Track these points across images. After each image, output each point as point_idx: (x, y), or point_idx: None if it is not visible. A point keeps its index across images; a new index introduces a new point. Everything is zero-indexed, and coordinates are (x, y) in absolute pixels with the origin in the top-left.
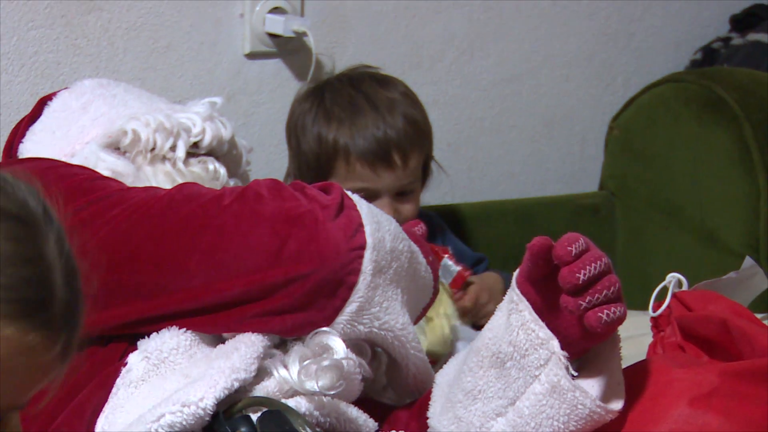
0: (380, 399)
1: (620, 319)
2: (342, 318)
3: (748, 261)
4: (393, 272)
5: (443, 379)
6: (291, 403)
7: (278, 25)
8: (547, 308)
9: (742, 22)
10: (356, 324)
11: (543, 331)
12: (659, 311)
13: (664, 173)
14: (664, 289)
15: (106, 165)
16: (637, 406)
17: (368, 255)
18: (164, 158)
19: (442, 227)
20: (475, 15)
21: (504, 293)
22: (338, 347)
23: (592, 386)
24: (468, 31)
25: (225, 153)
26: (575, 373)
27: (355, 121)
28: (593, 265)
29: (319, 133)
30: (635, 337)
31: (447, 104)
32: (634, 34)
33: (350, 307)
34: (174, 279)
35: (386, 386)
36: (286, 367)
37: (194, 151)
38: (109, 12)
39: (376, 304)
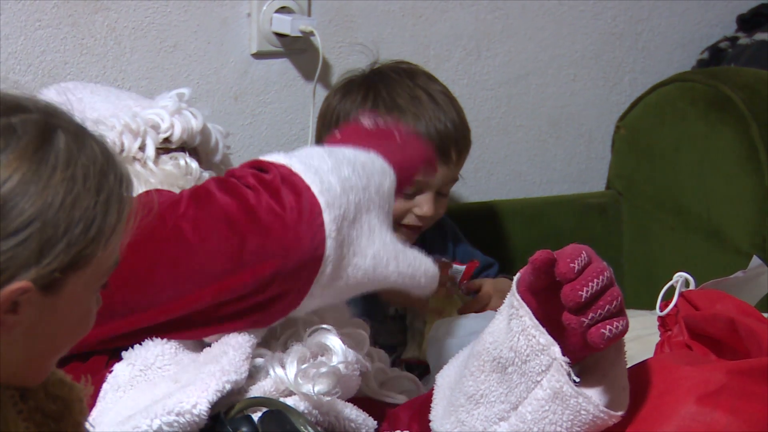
0: (379, 398)
1: (622, 333)
2: (317, 286)
3: (755, 260)
4: (353, 208)
5: (444, 381)
6: (289, 402)
7: (285, 24)
8: (548, 317)
9: (749, 21)
10: (333, 283)
11: (544, 337)
12: (666, 310)
13: (671, 173)
14: (672, 289)
15: None
16: (645, 404)
17: (327, 216)
18: (134, 159)
19: (455, 232)
20: (481, 15)
21: None
22: (336, 347)
23: (595, 391)
24: (475, 31)
25: (198, 144)
26: (577, 379)
27: (418, 112)
28: (595, 281)
29: None
30: (643, 337)
31: None
32: (641, 33)
33: (325, 274)
34: (143, 296)
35: (384, 383)
36: (283, 366)
37: (166, 146)
38: (116, 12)
39: (345, 255)
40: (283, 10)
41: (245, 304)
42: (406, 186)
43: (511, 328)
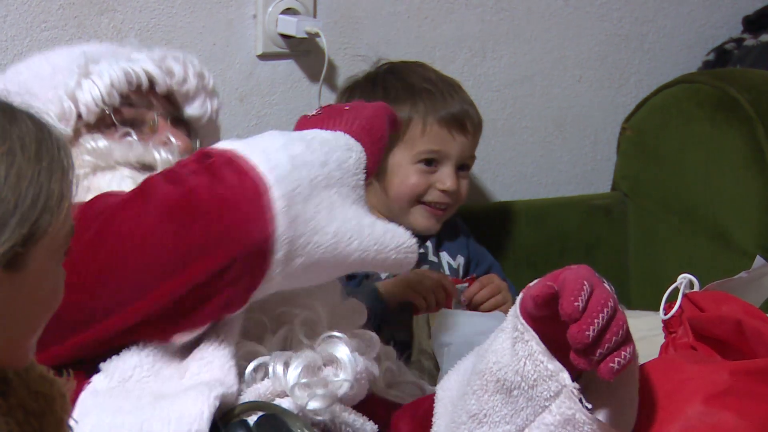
0: (384, 396)
1: (630, 361)
2: (276, 267)
3: (758, 260)
4: (307, 183)
5: (445, 393)
6: (284, 403)
7: (291, 26)
8: (550, 338)
9: (754, 23)
10: (292, 262)
11: (552, 363)
12: (670, 314)
13: (676, 174)
14: (676, 291)
15: None
16: (652, 404)
17: (276, 192)
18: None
19: (467, 232)
20: (487, 16)
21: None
22: (345, 358)
23: (605, 409)
24: (480, 32)
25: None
26: (590, 406)
27: (433, 88)
28: (601, 315)
29: (398, 102)
30: (648, 338)
31: None
32: (647, 35)
33: (281, 252)
34: (99, 302)
35: (391, 385)
36: (286, 366)
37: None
38: (122, 13)
39: (303, 232)
40: (288, 11)
41: (203, 292)
42: (377, 160)
43: (516, 351)
